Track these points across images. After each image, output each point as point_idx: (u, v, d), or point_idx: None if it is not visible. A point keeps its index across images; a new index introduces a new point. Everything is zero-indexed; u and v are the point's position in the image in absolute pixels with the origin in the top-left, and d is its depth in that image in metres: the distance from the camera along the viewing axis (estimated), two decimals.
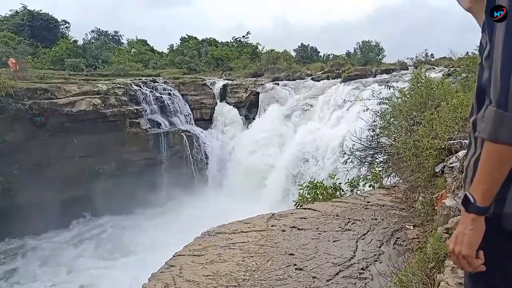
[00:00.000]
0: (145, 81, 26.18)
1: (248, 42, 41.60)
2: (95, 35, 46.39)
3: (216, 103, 27.40)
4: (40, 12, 39.77)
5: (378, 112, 6.74)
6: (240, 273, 3.81)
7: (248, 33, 41.58)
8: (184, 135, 24.69)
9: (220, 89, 27.73)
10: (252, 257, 4.14)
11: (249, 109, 26.99)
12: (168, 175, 23.33)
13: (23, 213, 18.29)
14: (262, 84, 26.93)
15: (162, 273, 3.82)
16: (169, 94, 26.00)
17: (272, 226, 5.08)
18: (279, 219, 5.33)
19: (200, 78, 28.84)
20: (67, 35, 42.25)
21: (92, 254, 18.03)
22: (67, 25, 43.96)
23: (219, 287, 3.54)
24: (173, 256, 4.21)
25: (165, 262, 4.05)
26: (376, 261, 4.04)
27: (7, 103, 18.11)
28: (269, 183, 22.01)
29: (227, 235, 4.73)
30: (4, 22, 40.18)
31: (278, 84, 26.75)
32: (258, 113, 26.15)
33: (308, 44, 43.76)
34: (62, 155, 20.27)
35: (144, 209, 21.15)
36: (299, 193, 7.30)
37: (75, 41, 37.55)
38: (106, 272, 16.14)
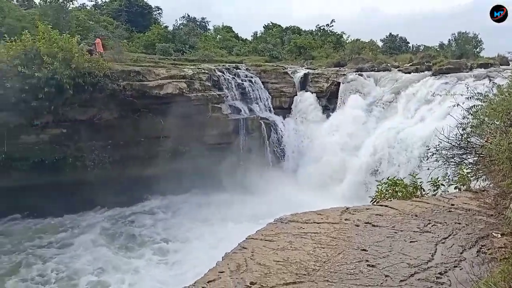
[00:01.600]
0: (228, 67, 26.81)
1: (332, 31, 40.76)
2: (184, 21, 48.50)
3: (296, 92, 27.23)
4: None
5: (470, 109, 6.24)
6: (310, 262, 3.81)
7: (332, 21, 40.72)
8: (262, 122, 25.02)
9: (301, 78, 27.48)
10: (323, 248, 4.11)
11: (329, 99, 26.47)
12: (245, 160, 23.85)
13: (116, 184, 19.97)
14: (344, 75, 26.23)
15: (235, 253, 3.94)
16: (250, 81, 26.38)
17: (346, 220, 4.99)
18: (353, 214, 5.21)
19: (282, 66, 28.84)
20: (159, 21, 44.74)
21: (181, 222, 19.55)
22: (159, 11, 46.59)
23: (288, 273, 3.57)
24: (246, 238, 4.32)
25: (238, 244, 4.17)
26: (456, 267, 3.80)
27: (104, 83, 19.64)
28: (345, 176, 21.56)
29: (299, 224, 4.74)
30: (104, 7, 43.55)
31: (361, 75, 25.84)
32: (338, 104, 25.52)
33: (397, 34, 41.84)
34: (149, 134, 21.66)
35: (220, 190, 21.90)
36: (376, 189, 7.06)
37: (166, 27, 39.61)
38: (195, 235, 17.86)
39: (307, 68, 29.04)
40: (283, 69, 28.07)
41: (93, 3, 44.50)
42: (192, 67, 24.54)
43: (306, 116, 26.25)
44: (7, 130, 17.96)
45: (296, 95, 27.16)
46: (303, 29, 42.60)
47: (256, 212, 18.55)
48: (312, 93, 26.87)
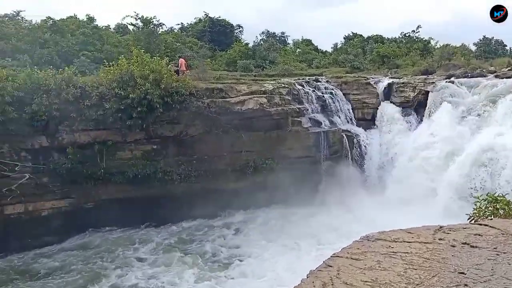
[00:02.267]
0: (308, 80, 26.69)
1: (418, 37, 38.74)
2: (264, 37, 49.60)
3: (380, 102, 26.09)
4: (219, 18, 44.46)
5: None
6: (402, 284, 3.54)
7: (418, 27, 38.61)
8: (344, 135, 24.44)
9: (385, 88, 26.33)
10: (415, 269, 3.81)
11: (417, 109, 24.94)
12: (327, 174, 23.42)
13: (200, 197, 20.80)
14: (433, 82, 24.56)
15: (320, 271, 3.80)
16: (331, 93, 25.94)
17: (440, 239, 4.60)
18: (448, 233, 4.79)
19: (364, 77, 28.00)
20: (240, 38, 46.26)
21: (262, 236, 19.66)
22: (240, 29, 48.26)
23: None
24: (331, 256, 4.17)
25: (323, 261, 4.03)
26: None
27: (190, 101, 20.68)
28: (437, 193, 20.11)
29: (387, 242, 4.46)
30: (189, 29, 46.21)
31: (453, 82, 23.95)
32: (426, 114, 23.94)
33: (492, 37, 38.59)
34: (231, 149, 22.27)
35: (301, 205, 21.68)
36: (474, 206, 6.46)
37: (247, 44, 40.78)
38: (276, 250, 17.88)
39: (391, 78, 27.82)
40: (365, 80, 27.21)
41: (180, 26, 47.52)
42: (272, 82, 24.83)
43: (391, 127, 25.00)
44: (106, 147, 19.92)
45: (380, 105, 26.13)
46: (386, 37, 41.15)
47: (340, 228, 18.08)
48: (397, 103, 25.66)
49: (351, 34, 43.53)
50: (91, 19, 34.01)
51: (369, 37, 41.08)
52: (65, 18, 33.08)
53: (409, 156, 22.72)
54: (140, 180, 20.34)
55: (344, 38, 44.37)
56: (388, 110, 25.56)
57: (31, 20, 31.24)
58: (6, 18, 30.13)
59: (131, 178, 20.19)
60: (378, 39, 40.14)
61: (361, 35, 42.19)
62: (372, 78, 27.68)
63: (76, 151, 19.30)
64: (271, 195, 21.67)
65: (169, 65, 21.99)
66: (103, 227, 20.72)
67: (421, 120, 24.22)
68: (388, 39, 40.70)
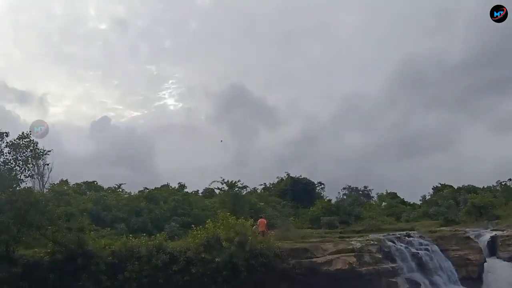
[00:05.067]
0: (399, 236, 25.25)
1: None
2: (346, 192, 49.56)
3: (485, 258, 23.51)
4: (300, 177, 45.98)
5: None
6: None
7: None
8: None
9: (488, 241, 24.09)
10: None
11: None
12: None
13: None
14: None
15: None
16: (427, 249, 24.01)
17: None
18: None
19: (461, 230, 25.95)
20: (322, 194, 46.68)
21: None
22: (322, 186, 48.99)
23: None
24: None
25: None
26: None
27: (275, 263, 20.00)
28: None
29: None
30: (272, 188, 47.92)
31: None
32: None
33: None
34: None
35: None
36: None
37: (329, 200, 40.83)
38: None
39: (493, 230, 25.33)
40: (464, 233, 25.09)
41: (263, 186, 49.59)
42: (359, 239, 23.73)
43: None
44: None
45: (485, 262, 23.22)
46: (479, 187, 38.91)
47: None
48: (505, 258, 22.74)
49: (440, 185, 41.95)
50: (182, 186, 37.06)
51: (460, 188, 39.09)
52: (159, 186, 36.43)
53: None
54: None
55: (432, 189, 42.79)
56: (495, 267, 22.65)
57: (130, 192, 34.82)
58: (109, 191, 33.92)
59: None
60: (471, 189, 38.00)
61: (451, 186, 40.47)
62: (471, 231, 25.53)
63: None
64: None
65: (254, 227, 22.13)
66: None
67: None
68: (482, 188, 38.44)
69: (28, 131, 19.83)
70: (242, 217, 22.64)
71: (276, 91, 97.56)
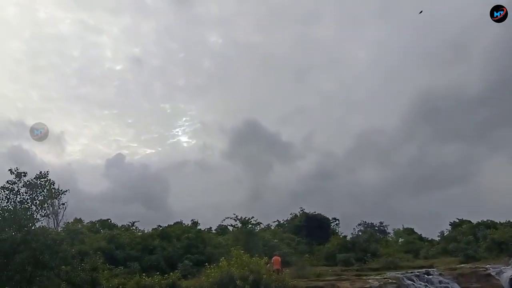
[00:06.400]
0: (418, 273, 24.50)
1: None
2: (361, 228, 48.58)
3: None
4: (315, 213, 45.36)
5: None
6: None
7: None
8: None
9: (510, 278, 23.14)
10: None
11: None
12: None
13: None
14: None
15: None
16: (447, 287, 23.14)
17: None
18: None
19: (482, 267, 25.05)
20: (337, 230, 45.84)
21: None
22: (337, 222, 48.18)
23: None
24: None
25: None
26: None
27: None
28: None
29: None
30: (286, 225, 47.29)
31: None
32: None
33: None
34: None
35: None
36: None
37: (345, 236, 39.99)
38: None
39: None
40: (484, 270, 24.26)
41: (276, 223, 48.95)
42: (377, 277, 23.14)
43: None
44: None
45: None
46: (498, 222, 37.81)
47: None
48: None
49: (458, 220, 40.95)
50: (195, 224, 36.82)
51: (479, 223, 38.02)
52: (172, 224, 36.29)
53: None
54: None
55: (450, 224, 41.72)
56: None
57: (144, 230, 34.75)
58: (123, 229, 33.90)
59: None
60: (490, 224, 36.94)
61: (469, 221, 39.43)
62: (492, 268, 24.61)
63: None
64: None
65: (268, 264, 21.74)
66: None
67: None
68: (501, 223, 37.34)
69: (46, 171, 20.15)
70: (256, 254, 22.30)
71: (290, 126, 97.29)
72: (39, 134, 22.41)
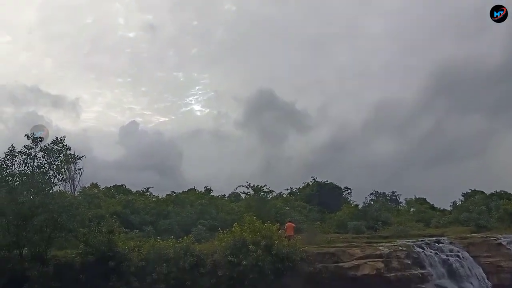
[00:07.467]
0: (428, 242, 24.66)
1: None
2: (373, 197, 48.74)
3: None
4: (327, 182, 45.54)
5: None
6: None
7: None
8: None
9: None
10: None
11: None
12: None
13: None
14: None
15: None
16: (457, 256, 23.41)
17: None
18: None
19: (493, 237, 25.15)
20: (349, 199, 46.09)
21: None
22: (349, 191, 48.38)
23: None
24: None
25: None
26: None
27: (301, 267, 19.93)
28: None
29: None
30: (298, 193, 47.65)
31: None
32: None
33: None
34: None
35: None
36: None
37: (356, 205, 40.24)
38: None
39: None
40: (496, 240, 24.31)
41: (288, 191, 49.37)
42: (387, 244, 23.33)
43: None
44: None
45: None
46: None
47: None
48: None
49: (470, 191, 40.75)
50: (208, 190, 37.36)
51: (492, 194, 37.81)
52: (186, 190, 36.88)
53: None
54: None
55: (462, 195, 41.58)
56: None
57: (158, 196, 35.38)
58: (137, 195, 34.56)
59: None
60: (503, 195, 36.69)
61: (482, 192, 39.23)
62: (504, 238, 24.70)
63: None
64: None
65: (280, 230, 22.10)
66: None
67: None
68: None
69: (62, 136, 20.47)
70: (268, 221, 22.66)
71: (305, 96, 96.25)
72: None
